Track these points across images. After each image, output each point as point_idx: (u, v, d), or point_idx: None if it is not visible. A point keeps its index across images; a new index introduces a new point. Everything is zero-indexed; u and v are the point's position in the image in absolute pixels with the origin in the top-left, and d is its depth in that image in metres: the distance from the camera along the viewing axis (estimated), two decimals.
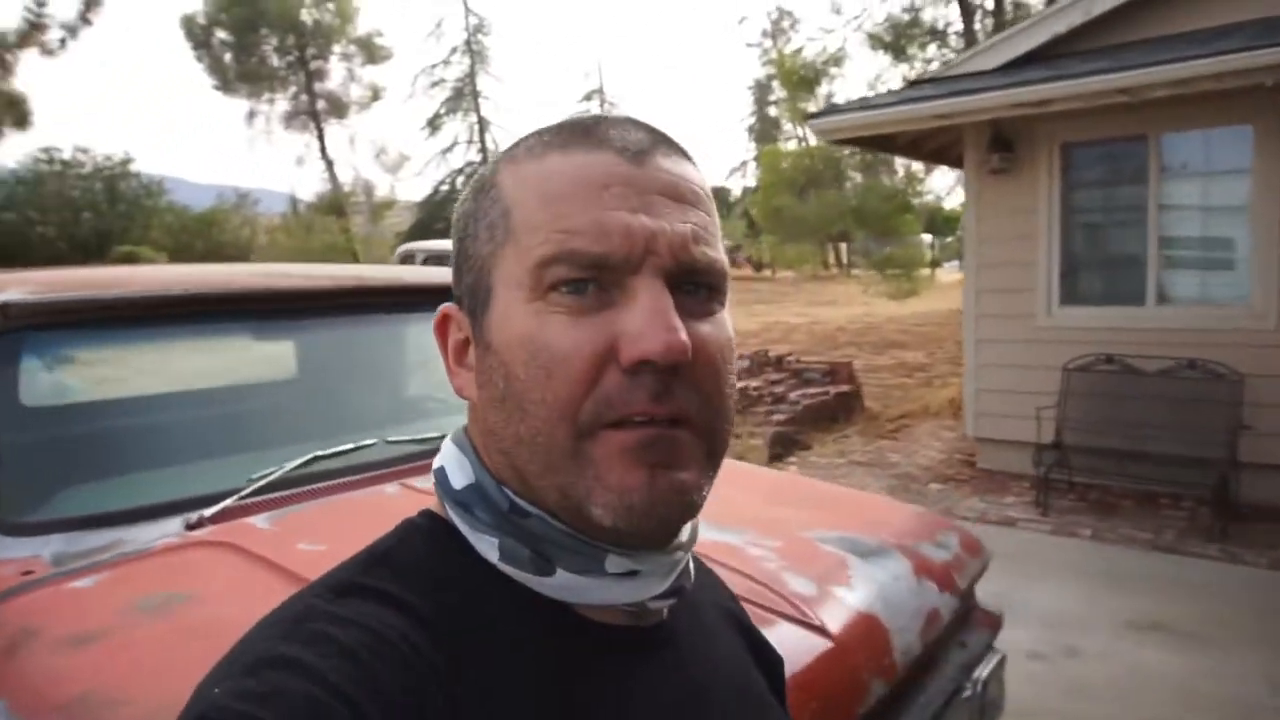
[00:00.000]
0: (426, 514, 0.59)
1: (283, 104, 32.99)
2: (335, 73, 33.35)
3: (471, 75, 42.22)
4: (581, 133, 0.54)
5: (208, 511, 1.69)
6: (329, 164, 33.31)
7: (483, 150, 42.30)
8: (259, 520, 1.69)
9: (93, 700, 1.11)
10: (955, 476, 6.20)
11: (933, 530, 1.96)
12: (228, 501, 1.72)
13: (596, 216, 0.51)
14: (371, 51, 33.38)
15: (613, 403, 0.50)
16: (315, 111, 33.06)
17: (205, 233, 29.02)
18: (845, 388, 8.12)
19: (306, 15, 31.82)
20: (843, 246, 34.47)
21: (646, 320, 0.49)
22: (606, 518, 0.50)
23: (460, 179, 41.58)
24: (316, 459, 1.90)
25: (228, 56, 31.15)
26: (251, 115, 32.77)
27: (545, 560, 0.53)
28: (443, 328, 0.59)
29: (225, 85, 31.48)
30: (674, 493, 0.51)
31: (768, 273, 34.41)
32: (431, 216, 40.27)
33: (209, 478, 1.81)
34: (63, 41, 16.73)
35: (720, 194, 53.70)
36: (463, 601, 0.52)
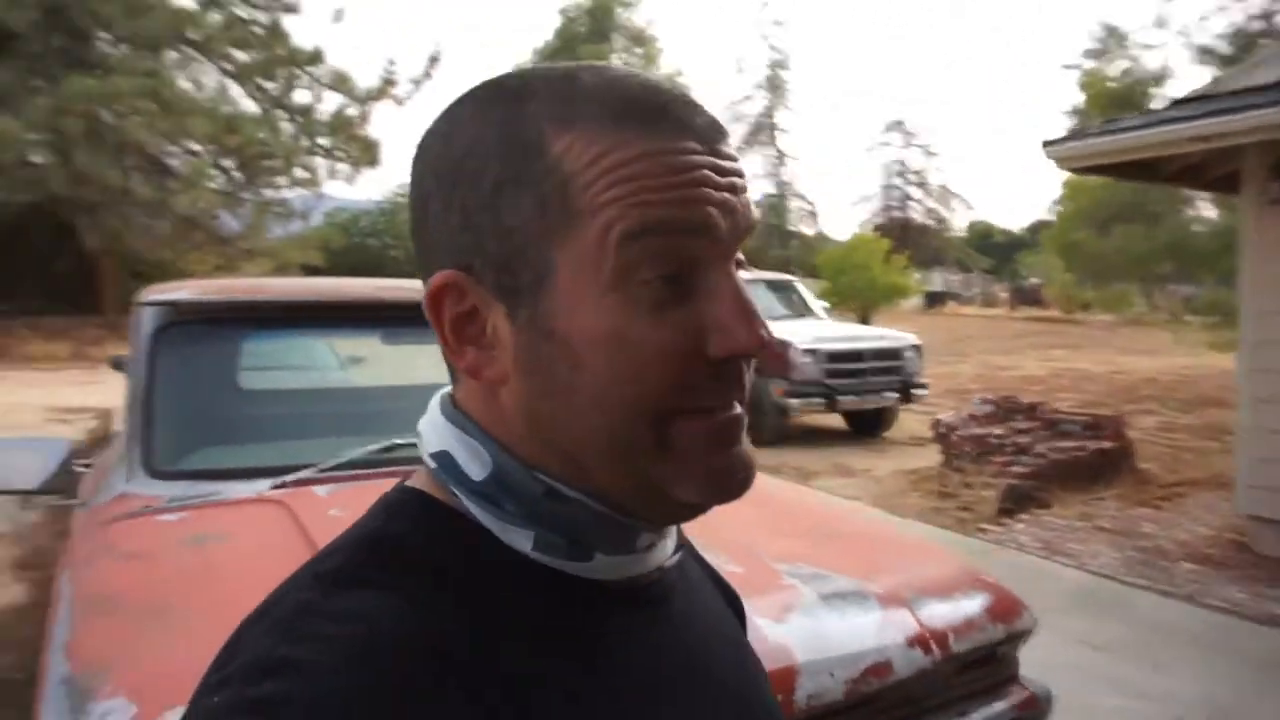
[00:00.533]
0: (408, 490, 0.56)
1: None
2: None
3: (770, 110, 43.12)
4: (655, 111, 0.50)
5: (290, 477, 2.04)
6: None
7: (779, 183, 42.93)
8: (322, 490, 2.00)
9: (98, 597, 1.45)
10: (1217, 558, 5.30)
11: (953, 586, 1.82)
12: (307, 471, 2.06)
13: (687, 207, 0.49)
14: None
15: (699, 394, 0.50)
16: None
17: None
18: (1109, 444, 7.23)
19: (616, 60, 34.62)
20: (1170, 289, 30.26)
21: (736, 313, 0.50)
22: (693, 495, 0.52)
23: (757, 212, 42.55)
24: (394, 446, 2.20)
25: None
26: None
27: (583, 546, 0.53)
28: (439, 297, 0.53)
29: None
30: (746, 467, 0.53)
31: (1079, 315, 31.12)
32: None
33: (320, 453, 2.17)
34: (410, 93, 19.30)
35: (1044, 227, 49.49)
36: (467, 579, 0.51)
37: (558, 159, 0.50)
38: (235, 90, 17.24)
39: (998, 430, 7.23)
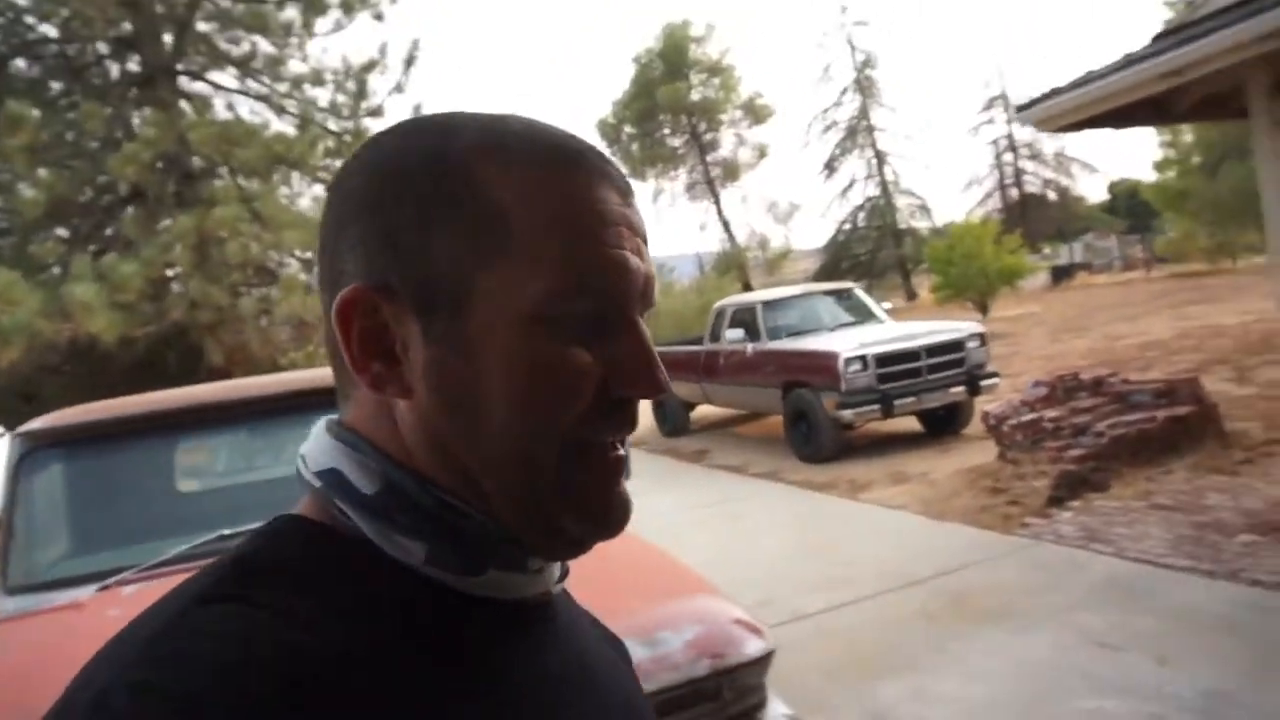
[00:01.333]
0: (283, 517, 0.55)
1: (682, 177, 36.51)
2: (725, 140, 36.00)
3: (863, 111, 42.16)
4: (576, 156, 0.54)
5: (111, 580, 2.26)
6: (725, 225, 35.81)
7: (882, 184, 41.78)
8: (130, 589, 2.21)
9: None
10: None
11: (658, 626, 1.79)
12: (126, 574, 2.27)
13: (609, 254, 0.53)
14: (756, 113, 35.39)
15: (597, 427, 0.53)
16: (710, 179, 35.94)
17: None
18: (1183, 410, 6.62)
19: (695, 94, 34.96)
20: None
21: (641, 360, 0.54)
22: (578, 527, 0.54)
23: (861, 215, 41.57)
24: (223, 538, 2.38)
25: (634, 146, 35.52)
26: (657, 193, 36.81)
27: (475, 559, 0.53)
28: (349, 311, 0.52)
29: (635, 172, 35.87)
30: (625, 505, 0.56)
31: (1227, 264, 28.39)
32: (836, 257, 40.83)
33: (153, 554, 2.39)
34: None
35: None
36: (343, 592, 0.50)
37: (486, 188, 0.51)
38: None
39: (1052, 413, 6.76)
